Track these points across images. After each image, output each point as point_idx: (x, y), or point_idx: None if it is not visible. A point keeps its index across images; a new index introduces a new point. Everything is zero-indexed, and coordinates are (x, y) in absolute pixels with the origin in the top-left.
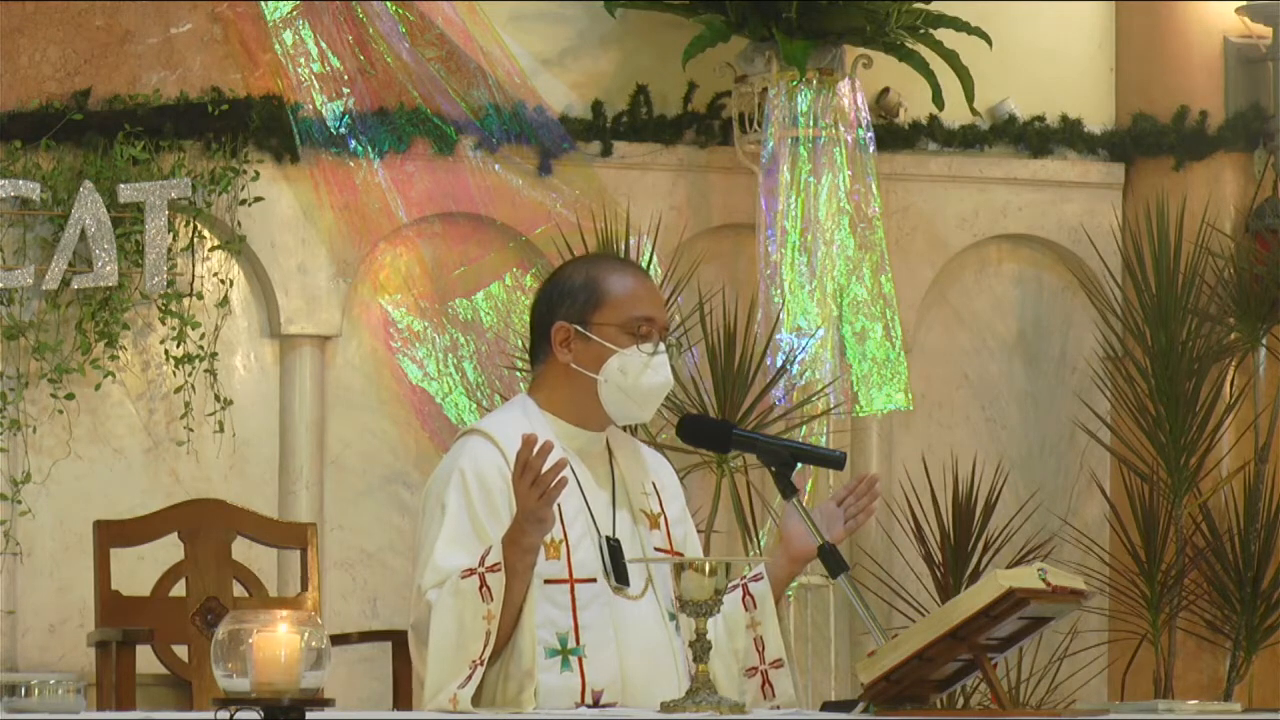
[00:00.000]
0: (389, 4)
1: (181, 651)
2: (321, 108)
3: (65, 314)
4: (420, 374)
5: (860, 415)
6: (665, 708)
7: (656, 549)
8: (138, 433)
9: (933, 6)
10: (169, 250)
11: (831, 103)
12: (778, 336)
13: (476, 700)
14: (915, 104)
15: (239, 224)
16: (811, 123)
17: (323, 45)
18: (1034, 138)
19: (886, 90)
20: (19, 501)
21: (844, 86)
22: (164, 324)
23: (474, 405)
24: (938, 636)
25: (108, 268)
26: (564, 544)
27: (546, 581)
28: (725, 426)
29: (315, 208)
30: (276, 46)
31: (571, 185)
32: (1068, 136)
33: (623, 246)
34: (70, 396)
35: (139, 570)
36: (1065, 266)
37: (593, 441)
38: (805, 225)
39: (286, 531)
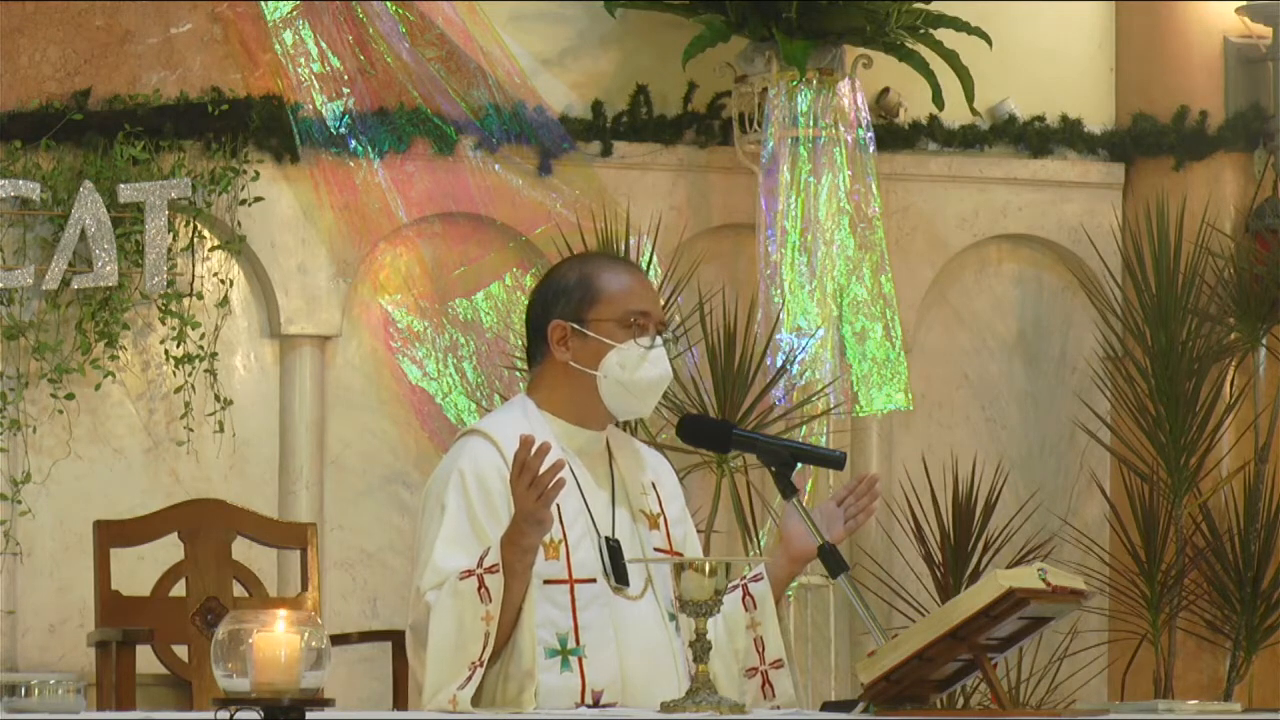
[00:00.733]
0: (389, 4)
1: (181, 651)
2: (321, 108)
3: (65, 314)
4: (420, 374)
5: (860, 415)
6: (665, 708)
7: (656, 549)
8: (138, 433)
9: (933, 6)
10: (169, 250)
11: (831, 103)
12: (778, 336)
13: (476, 701)
14: (915, 104)
15: (239, 224)
16: (811, 123)
17: (323, 45)
18: (1034, 138)
19: (886, 90)
20: (19, 501)
21: (844, 86)
22: (164, 324)
23: (474, 405)
24: (938, 636)
25: (108, 268)
26: (563, 544)
27: (546, 582)
28: (725, 426)
29: (315, 208)
30: (276, 46)
31: (571, 185)
32: (1068, 136)
33: (623, 246)
34: (70, 396)
35: (139, 570)
36: (1065, 266)
37: (592, 441)
38: (805, 225)
39: (286, 531)
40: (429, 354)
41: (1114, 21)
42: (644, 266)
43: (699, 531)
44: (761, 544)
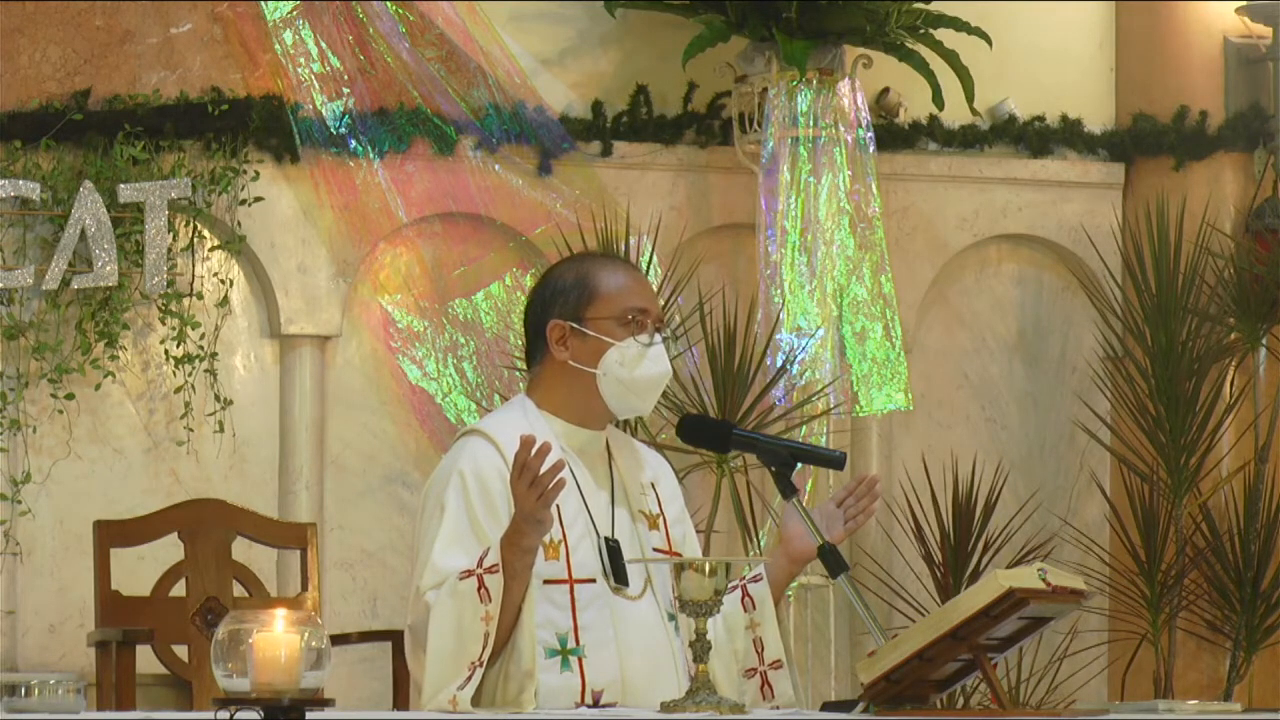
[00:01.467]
0: (389, 4)
1: (181, 651)
2: (321, 108)
3: (65, 314)
4: (420, 374)
5: (860, 415)
6: (665, 708)
7: (655, 549)
8: (138, 433)
9: (933, 6)
10: (169, 250)
11: (831, 103)
12: (778, 336)
13: (476, 700)
14: (915, 104)
15: (239, 224)
16: (811, 123)
17: (323, 45)
18: (1034, 138)
19: (886, 90)
20: (19, 501)
21: (844, 86)
22: (164, 324)
23: (473, 405)
24: (938, 636)
25: (108, 268)
26: (563, 544)
27: (546, 582)
28: (725, 426)
29: (315, 208)
30: (276, 46)
31: (571, 185)
32: (1068, 136)
33: (623, 246)
34: (70, 396)
35: (139, 570)
36: (1065, 266)
37: (592, 441)
38: (805, 225)
39: (286, 531)
40: (429, 354)
41: (1114, 21)
42: (644, 266)
43: (699, 531)
44: (761, 544)
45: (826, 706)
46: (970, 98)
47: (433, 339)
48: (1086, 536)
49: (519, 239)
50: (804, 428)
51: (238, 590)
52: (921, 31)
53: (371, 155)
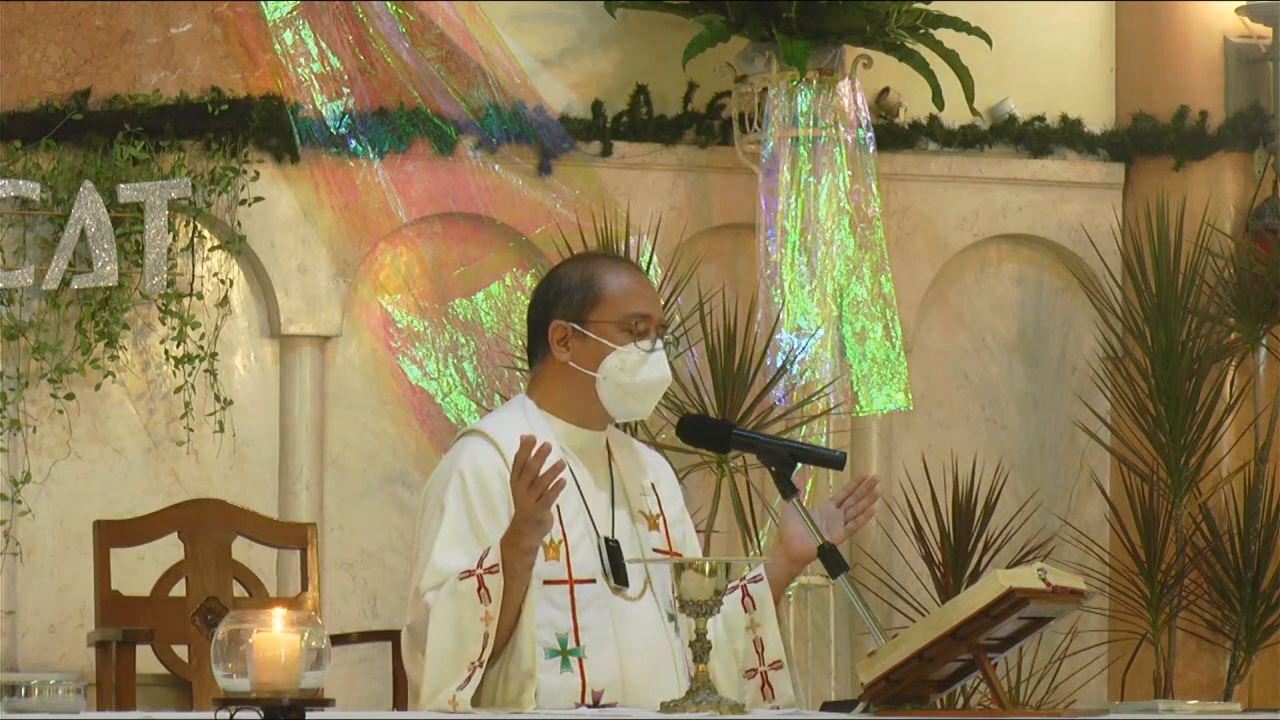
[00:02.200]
0: (389, 4)
1: (181, 651)
2: (321, 108)
3: (65, 314)
4: (420, 374)
5: (860, 415)
6: (665, 708)
7: (655, 550)
8: (138, 433)
9: (933, 6)
10: (169, 250)
11: (831, 103)
12: (778, 336)
13: (477, 701)
14: (915, 104)
15: (239, 224)
16: (811, 123)
17: (323, 45)
18: (1034, 138)
19: (886, 90)
20: (19, 501)
21: (844, 86)
22: (164, 324)
23: (474, 405)
24: (938, 636)
25: (108, 268)
26: (563, 545)
27: (546, 582)
28: (725, 426)
29: (315, 208)
30: (276, 46)
31: (571, 185)
32: (1068, 136)
33: (623, 246)
34: (70, 396)
35: (139, 570)
36: (1065, 266)
37: (592, 441)
38: (805, 225)
39: (286, 531)
40: (429, 354)
41: (1114, 21)
42: (644, 266)
43: (699, 531)
44: (761, 544)
45: (826, 706)
46: (970, 98)
47: (433, 339)
48: (1086, 536)
49: (519, 239)
50: (804, 428)
51: (238, 590)
52: (921, 31)
53: (371, 155)
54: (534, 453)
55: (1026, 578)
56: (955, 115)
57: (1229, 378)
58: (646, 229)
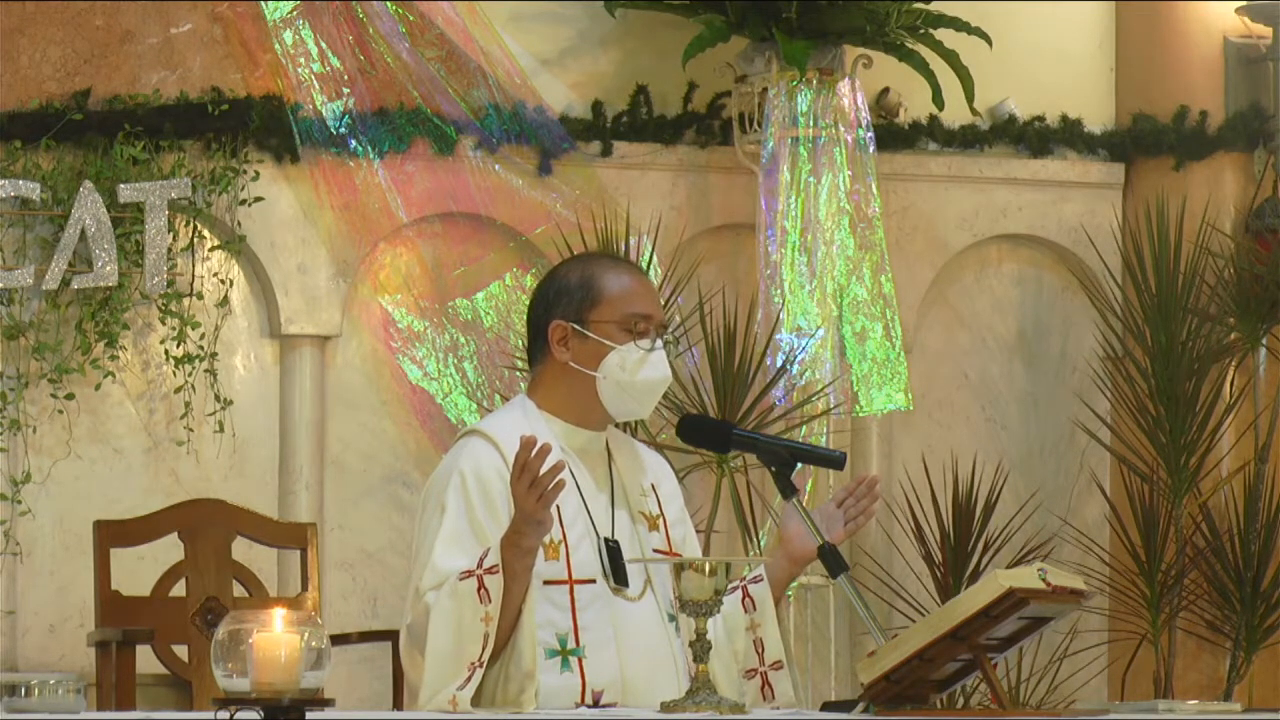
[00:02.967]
0: (389, 4)
1: (181, 651)
2: (321, 108)
3: (65, 314)
4: (420, 374)
5: (860, 415)
6: (665, 708)
7: (655, 550)
8: (138, 433)
9: (933, 6)
10: (169, 250)
11: (831, 103)
12: (778, 336)
13: (476, 701)
14: (915, 104)
15: (239, 224)
16: (811, 123)
17: (323, 45)
18: (1034, 138)
19: (886, 90)
20: (19, 501)
21: (844, 86)
22: (164, 324)
23: (474, 405)
24: (938, 636)
25: (108, 268)
26: (563, 545)
27: (546, 582)
28: (725, 426)
29: (315, 208)
30: (276, 46)
31: (571, 185)
32: (1068, 136)
33: (623, 246)
34: (70, 396)
35: (139, 570)
36: (1065, 266)
37: (592, 441)
38: (805, 225)
39: (286, 531)
40: (429, 354)
41: (1114, 21)
42: (644, 266)
43: (699, 532)
44: (761, 544)
45: (826, 706)
46: (970, 98)
47: (433, 339)
48: (1086, 536)
49: (519, 239)
50: (804, 428)
51: (238, 590)
52: (921, 31)
53: (371, 155)
54: (534, 453)
55: (1026, 578)
56: (955, 115)
57: (1229, 378)
58: (646, 229)
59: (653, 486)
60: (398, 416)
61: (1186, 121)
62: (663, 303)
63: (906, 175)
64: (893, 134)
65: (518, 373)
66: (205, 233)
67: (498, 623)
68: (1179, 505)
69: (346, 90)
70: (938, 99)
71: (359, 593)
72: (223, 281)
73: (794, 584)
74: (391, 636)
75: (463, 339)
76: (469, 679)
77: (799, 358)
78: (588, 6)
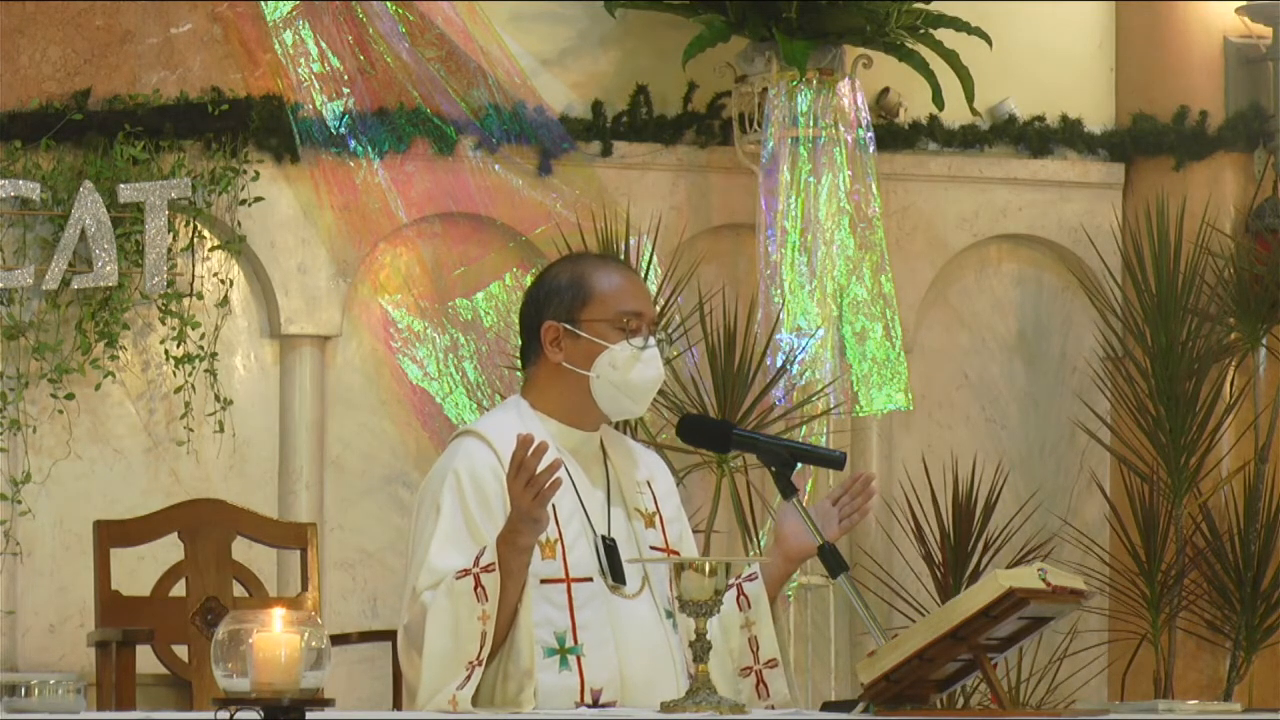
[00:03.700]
0: (389, 4)
1: (181, 651)
2: (321, 108)
3: (65, 314)
4: (420, 374)
5: (860, 415)
6: (665, 708)
7: (652, 548)
8: (138, 433)
9: (933, 6)
10: (169, 250)
11: (831, 103)
12: (778, 336)
13: (475, 700)
14: (915, 104)
15: (239, 224)
16: (811, 123)
17: (323, 45)
18: (1034, 138)
19: (886, 90)
20: (19, 501)
21: (844, 86)
22: (164, 324)
23: (474, 405)
24: (938, 636)
25: (108, 268)
26: (559, 543)
27: (543, 581)
28: (725, 426)
29: (315, 208)
30: (276, 46)
31: (571, 185)
32: (1068, 136)
33: (623, 246)
34: (70, 396)
35: (139, 570)
36: (1065, 266)
37: (586, 441)
38: (805, 225)
39: (286, 531)
40: (429, 354)
41: (1114, 21)
42: (644, 267)
43: (699, 531)
44: (761, 544)
45: (826, 706)
46: (970, 98)
47: (433, 339)
48: (1086, 536)
49: (519, 239)
50: (804, 428)
51: (238, 590)
52: (921, 31)
53: (371, 155)
54: (530, 451)
55: (1026, 578)
56: (955, 115)
57: (1229, 378)
58: (646, 229)
59: (648, 483)
60: (398, 416)
61: (1186, 121)
62: (663, 303)
63: (906, 175)
64: (893, 134)
65: (518, 373)
66: (205, 233)
67: (495, 621)
68: (1179, 505)
69: (346, 90)
70: (938, 99)
71: (359, 593)
72: (223, 281)
73: (794, 584)
74: (391, 636)
75: (463, 339)
76: (468, 678)
77: (799, 358)
78: (588, 6)
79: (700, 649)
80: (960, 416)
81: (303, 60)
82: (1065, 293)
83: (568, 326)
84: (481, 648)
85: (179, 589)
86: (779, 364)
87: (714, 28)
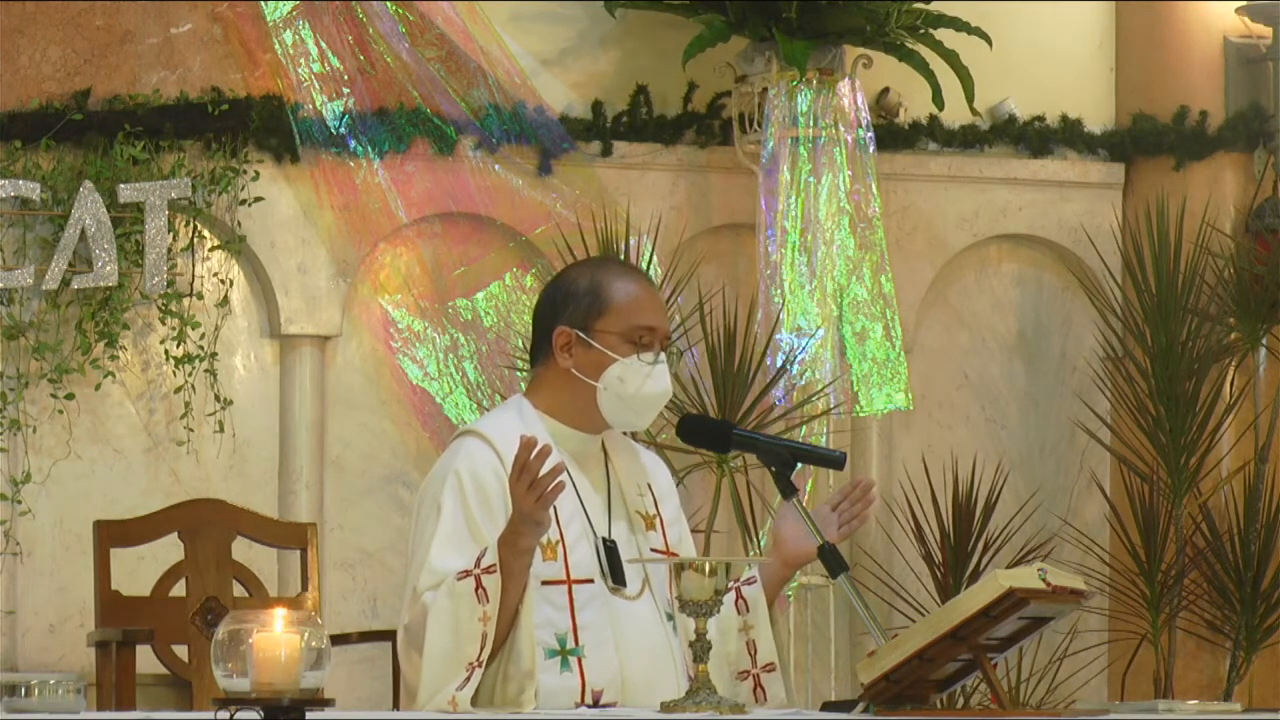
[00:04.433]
0: (389, 4)
1: (181, 651)
2: (321, 108)
3: (65, 314)
4: (420, 374)
5: (860, 415)
6: (665, 708)
7: (653, 550)
8: (138, 433)
9: (933, 6)
10: (169, 250)
11: (831, 103)
12: (778, 336)
13: (476, 701)
14: (915, 104)
15: (239, 224)
16: (811, 123)
17: (323, 45)
18: (1034, 138)
19: (886, 90)
20: (19, 501)
21: (844, 86)
22: (164, 324)
23: (474, 405)
24: (938, 636)
25: (108, 268)
26: (560, 545)
27: (544, 583)
28: (725, 426)
29: (315, 208)
30: (276, 46)
31: (571, 185)
32: (1068, 136)
33: (623, 247)
34: (70, 396)
35: (139, 570)
36: (1065, 266)
37: (588, 444)
38: (805, 225)
39: (286, 531)
40: (429, 354)
41: (1114, 21)
42: (644, 266)
43: (699, 532)
44: (761, 544)
45: (826, 706)
46: (970, 98)
47: (433, 339)
48: (1086, 536)
49: (519, 239)
50: (804, 428)
51: (238, 590)
52: (921, 31)
53: (371, 155)
54: (534, 454)
55: (1026, 578)
56: (955, 115)
57: (1229, 378)
58: (646, 229)
59: (649, 486)
60: (398, 416)
61: (1186, 121)
62: (663, 303)
63: (906, 175)
64: (893, 134)
65: (518, 373)
66: (205, 233)
67: (496, 622)
68: (1179, 505)
69: (346, 90)
70: (938, 99)
71: (359, 593)
72: (223, 281)
73: (794, 584)
74: (391, 636)
75: (463, 339)
76: (468, 679)
77: (799, 358)
78: (588, 6)
79: (700, 649)
80: (960, 416)
81: (303, 60)
82: (1065, 293)
83: (580, 334)
84: (482, 649)
85: (179, 589)
86: (779, 364)
87: (714, 28)
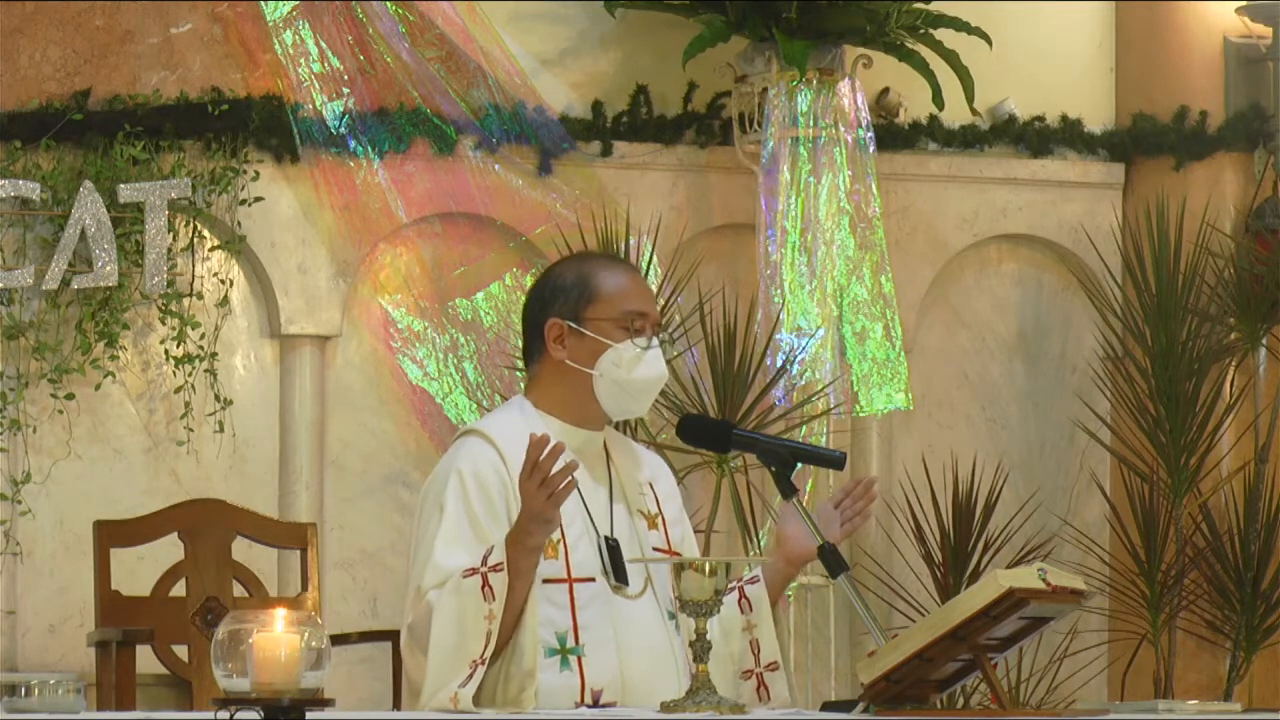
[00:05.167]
0: (389, 4)
1: (181, 651)
2: (321, 108)
3: (65, 314)
4: (420, 374)
5: (860, 415)
6: (665, 708)
7: (655, 549)
8: (138, 433)
9: (933, 6)
10: (169, 250)
11: (831, 103)
12: (778, 336)
13: (477, 700)
14: (915, 104)
15: (239, 224)
16: (811, 123)
17: (323, 45)
18: (1034, 138)
19: (886, 90)
20: (19, 501)
21: (844, 86)
22: (164, 324)
23: (474, 405)
24: (938, 636)
25: (108, 268)
26: (562, 544)
27: (545, 581)
28: (725, 426)
29: (315, 208)
30: (276, 46)
31: (571, 185)
32: (1068, 136)
33: (623, 246)
34: (70, 396)
35: (139, 570)
36: (1065, 266)
37: (590, 441)
38: (805, 225)
39: (286, 531)
40: (429, 354)
41: (1114, 21)
42: (644, 266)
43: (699, 531)
44: (761, 544)
45: (826, 706)
46: (970, 98)
47: (433, 339)
48: (1086, 536)
49: (519, 239)
50: (804, 428)
51: (238, 590)
52: (921, 31)
53: (371, 155)
54: (545, 452)
55: (1026, 578)
56: (955, 115)
57: (1229, 378)
58: (646, 229)
59: (650, 484)
60: (398, 416)
61: (1186, 121)
62: (663, 303)
63: (906, 175)
64: (893, 134)
65: (518, 373)
66: (205, 233)
67: (500, 621)
68: (1179, 505)
69: (346, 90)
70: (938, 99)
71: (359, 593)
72: (223, 281)
73: (794, 584)
74: (391, 636)
75: (463, 339)
76: (470, 676)
77: (799, 358)
78: (588, 6)
79: (700, 649)
80: (960, 416)
81: (303, 60)
82: (1065, 293)
83: (572, 324)
84: (486, 647)
85: (179, 589)
86: (779, 364)
87: (714, 28)
